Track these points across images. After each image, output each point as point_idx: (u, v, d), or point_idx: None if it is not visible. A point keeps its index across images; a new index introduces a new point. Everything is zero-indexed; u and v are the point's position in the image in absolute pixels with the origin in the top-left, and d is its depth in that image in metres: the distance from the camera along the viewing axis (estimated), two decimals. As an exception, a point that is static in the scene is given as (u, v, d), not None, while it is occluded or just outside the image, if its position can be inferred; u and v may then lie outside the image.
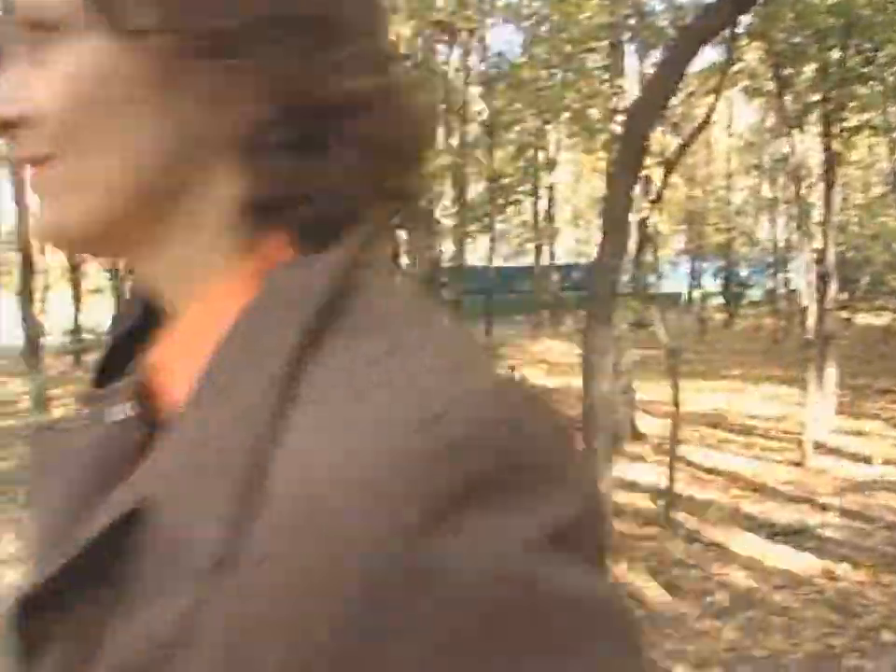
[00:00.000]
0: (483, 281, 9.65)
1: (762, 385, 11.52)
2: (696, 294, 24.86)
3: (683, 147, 4.68)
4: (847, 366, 13.00)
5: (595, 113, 5.57)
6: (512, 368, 5.99)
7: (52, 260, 24.86)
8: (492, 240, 6.55)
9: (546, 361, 14.68)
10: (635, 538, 4.61)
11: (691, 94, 8.14)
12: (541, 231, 16.89)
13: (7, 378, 16.61)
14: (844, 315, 19.96)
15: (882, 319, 19.43)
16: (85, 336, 21.84)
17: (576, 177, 25.98)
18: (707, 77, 7.85)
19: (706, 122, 4.95)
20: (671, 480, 5.02)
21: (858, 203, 22.35)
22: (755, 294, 25.32)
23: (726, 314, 21.36)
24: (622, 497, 5.67)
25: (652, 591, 3.91)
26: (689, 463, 6.63)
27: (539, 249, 20.44)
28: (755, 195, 21.60)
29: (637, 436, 7.74)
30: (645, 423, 8.03)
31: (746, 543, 4.57)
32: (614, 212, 3.74)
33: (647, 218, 4.79)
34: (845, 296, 21.88)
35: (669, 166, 4.66)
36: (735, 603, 3.74)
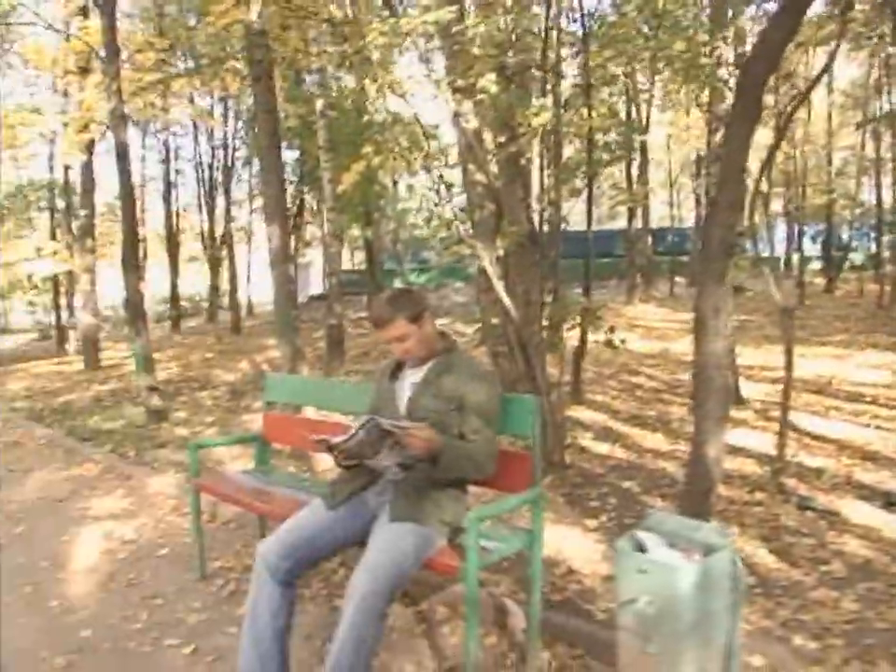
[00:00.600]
0: (579, 244, 9.50)
1: (867, 352, 11.04)
2: (795, 258, 24.08)
3: (801, 99, 4.43)
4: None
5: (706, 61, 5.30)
6: (612, 329, 5.84)
7: (151, 232, 25.86)
8: (588, 202, 6.37)
9: (640, 325, 14.49)
10: (743, 503, 4.49)
11: (799, 45, 7.77)
12: (635, 194, 16.49)
13: (112, 344, 17.43)
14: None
15: None
16: (182, 304, 22.77)
17: (668, 140, 25.34)
18: (819, 27, 7.48)
19: (825, 71, 4.69)
20: (781, 445, 4.85)
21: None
22: (857, 258, 24.27)
23: (826, 278, 20.51)
24: (727, 463, 5.53)
25: (764, 558, 3.80)
26: (795, 429, 6.40)
27: (631, 213, 20.10)
28: (858, 154, 20.51)
29: (740, 401, 7.53)
30: (747, 388, 7.79)
31: (861, 512, 4.38)
32: (731, 163, 3.58)
33: (763, 173, 4.58)
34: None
35: (785, 120, 4.43)
36: (852, 573, 3.59)
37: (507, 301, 4.88)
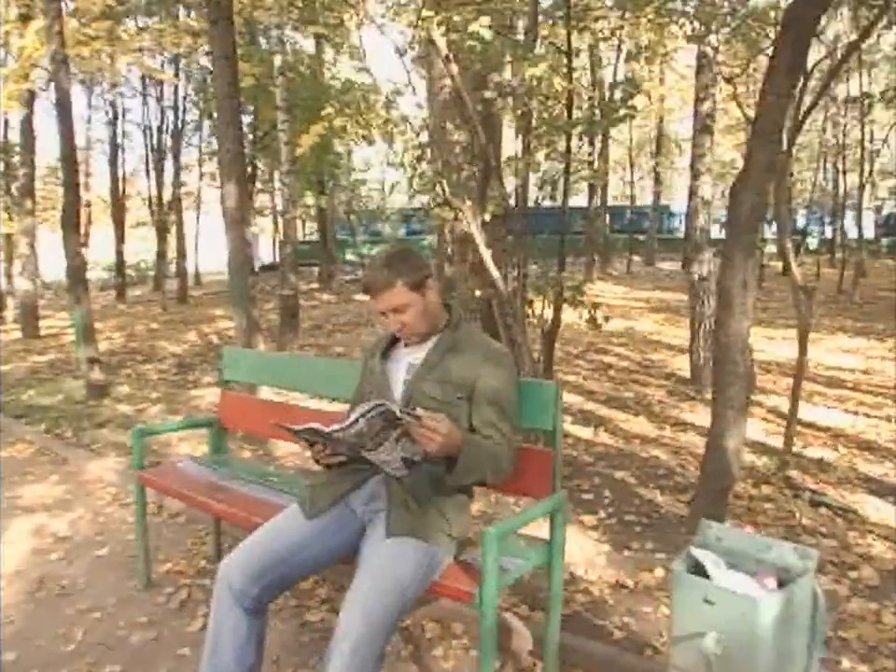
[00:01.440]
0: (542, 219, 9.11)
1: (837, 336, 10.89)
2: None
3: (838, 66, 3.99)
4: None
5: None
6: (596, 306, 5.39)
7: (96, 196, 24.71)
8: (566, 171, 5.89)
9: (601, 303, 14.14)
10: (750, 498, 4.09)
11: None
12: (597, 170, 16.10)
13: (53, 313, 16.49)
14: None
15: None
16: (128, 271, 21.76)
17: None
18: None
19: (865, 36, 4.26)
20: (790, 437, 4.48)
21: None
22: (811, 242, 24.40)
23: (782, 261, 20.46)
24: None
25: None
26: (779, 414, 6.11)
27: (592, 189, 19.76)
28: (820, 137, 20.46)
29: (719, 385, 7.21)
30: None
31: (877, 510, 4.04)
32: (766, 121, 3.13)
33: (792, 143, 4.15)
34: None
35: (826, 79, 3.99)
36: (886, 581, 3.22)
37: (495, 272, 4.39)
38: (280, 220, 17.97)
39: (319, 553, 2.17)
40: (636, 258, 23.27)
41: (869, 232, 22.25)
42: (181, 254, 19.05)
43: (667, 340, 10.66)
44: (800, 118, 4.06)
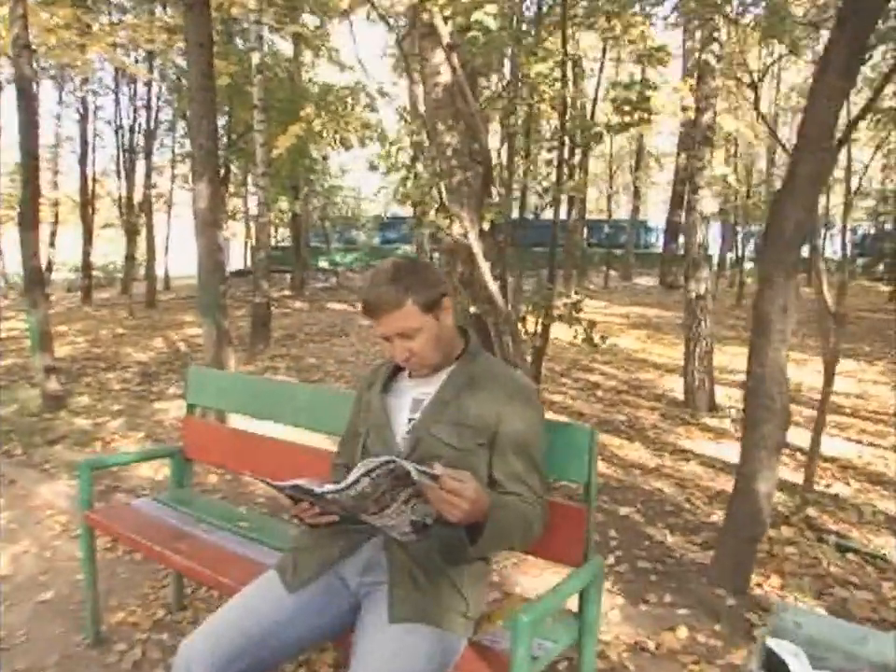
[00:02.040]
0: (523, 231, 8.87)
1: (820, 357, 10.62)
2: (730, 257, 23.97)
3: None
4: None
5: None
6: (593, 324, 5.03)
7: (64, 195, 23.96)
8: (558, 177, 5.55)
9: (581, 318, 13.86)
10: (771, 542, 3.72)
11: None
12: (577, 183, 15.84)
13: (17, 313, 15.80)
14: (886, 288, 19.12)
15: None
16: (95, 273, 21.08)
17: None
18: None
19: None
20: (811, 474, 4.13)
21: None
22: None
23: (815, 284, 20.29)
24: (729, 485, 4.82)
25: (818, 619, 3.04)
26: (787, 446, 5.79)
27: (571, 202, 19.49)
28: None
29: (713, 407, 6.89)
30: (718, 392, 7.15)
31: (907, 555, 3.71)
32: (816, 127, 2.78)
33: (844, 143, 3.79)
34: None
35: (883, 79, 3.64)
36: (934, 643, 2.86)
37: (493, 285, 4.00)
38: (253, 225, 17.51)
39: (303, 633, 1.75)
40: (612, 272, 23.07)
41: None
42: (151, 257, 18.45)
43: (653, 358, 10.35)
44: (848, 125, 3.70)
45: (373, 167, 5.13)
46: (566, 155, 5.22)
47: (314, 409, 2.61)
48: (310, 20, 18.05)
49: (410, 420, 1.87)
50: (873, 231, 24.35)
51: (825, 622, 1.74)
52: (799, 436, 5.93)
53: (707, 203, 6.71)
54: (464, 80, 3.89)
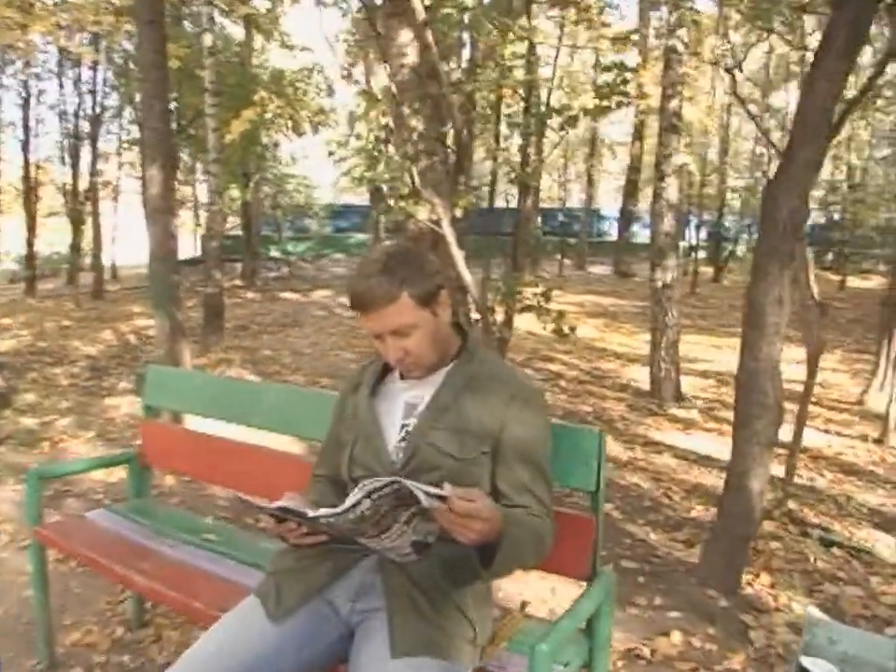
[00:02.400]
0: (482, 219, 8.72)
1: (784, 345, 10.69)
2: (682, 245, 24.13)
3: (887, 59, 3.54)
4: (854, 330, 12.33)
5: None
6: (562, 315, 4.91)
7: (7, 183, 23.09)
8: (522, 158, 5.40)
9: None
10: (756, 538, 3.63)
11: None
12: (531, 170, 15.78)
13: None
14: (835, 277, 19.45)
15: (871, 283, 18.90)
16: (39, 263, 20.35)
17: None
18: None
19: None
20: (792, 466, 4.05)
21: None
22: (738, 249, 24.67)
23: (714, 267, 20.54)
24: (700, 478, 4.73)
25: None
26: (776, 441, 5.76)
27: (525, 190, 19.39)
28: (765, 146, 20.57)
29: (680, 397, 6.83)
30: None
31: (888, 547, 3.65)
32: (814, 110, 2.66)
33: (838, 129, 3.66)
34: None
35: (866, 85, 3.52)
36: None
37: (467, 276, 3.83)
38: (203, 213, 17.06)
39: (291, 667, 1.56)
40: (566, 261, 23.06)
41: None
42: (97, 246, 17.86)
43: (613, 348, 10.32)
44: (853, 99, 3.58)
45: (332, 153, 4.91)
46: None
47: (284, 410, 2.41)
48: (261, 3, 17.65)
49: (403, 427, 1.67)
50: (822, 220, 24.72)
51: (858, 636, 1.62)
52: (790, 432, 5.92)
53: (674, 190, 6.63)
54: (437, 60, 3.70)
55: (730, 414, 6.22)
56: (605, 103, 4.07)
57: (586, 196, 25.67)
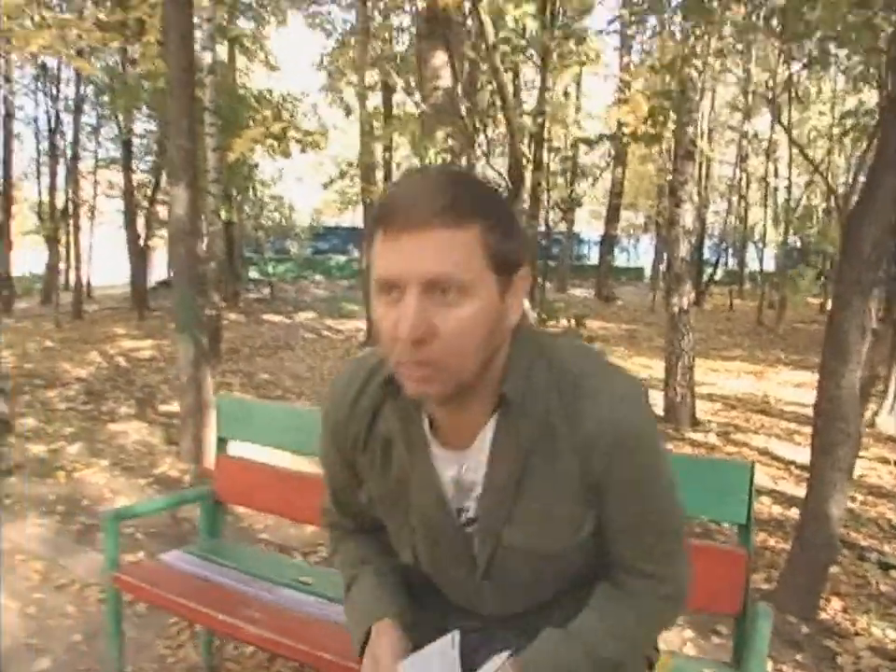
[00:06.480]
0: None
1: (778, 369, 10.83)
2: (662, 269, 24.35)
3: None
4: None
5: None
6: (591, 339, 4.85)
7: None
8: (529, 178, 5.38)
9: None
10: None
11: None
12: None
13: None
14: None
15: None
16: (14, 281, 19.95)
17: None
18: None
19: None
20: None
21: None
22: (716, 273, 25.01)
23: (695, 291, 20.73)
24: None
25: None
26: (774, 457, 5.79)
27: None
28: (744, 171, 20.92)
29: (695, 422, 6.82)
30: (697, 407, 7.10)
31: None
32: (893, 146, 2.65)
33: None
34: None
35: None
36: None
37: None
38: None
39: None
40: (547, 284, 23.13)
41: (770, 266, 22.98)
42: (77, 266, 17.55)
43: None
44: None
45: (343, 173, 4.83)
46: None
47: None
48: (246, 24, 17.65)
49: (460, 512, 1.17)
50: (798, 244, 25.15)
51: None
52: (790, 449, 5.95)
53: (689, 217, 6.64)
54: (458, 90, 3.66)
55: (747, 438, 6.34)
56: (654, 130, 4.05)
57: (568, 220, 25.80)
